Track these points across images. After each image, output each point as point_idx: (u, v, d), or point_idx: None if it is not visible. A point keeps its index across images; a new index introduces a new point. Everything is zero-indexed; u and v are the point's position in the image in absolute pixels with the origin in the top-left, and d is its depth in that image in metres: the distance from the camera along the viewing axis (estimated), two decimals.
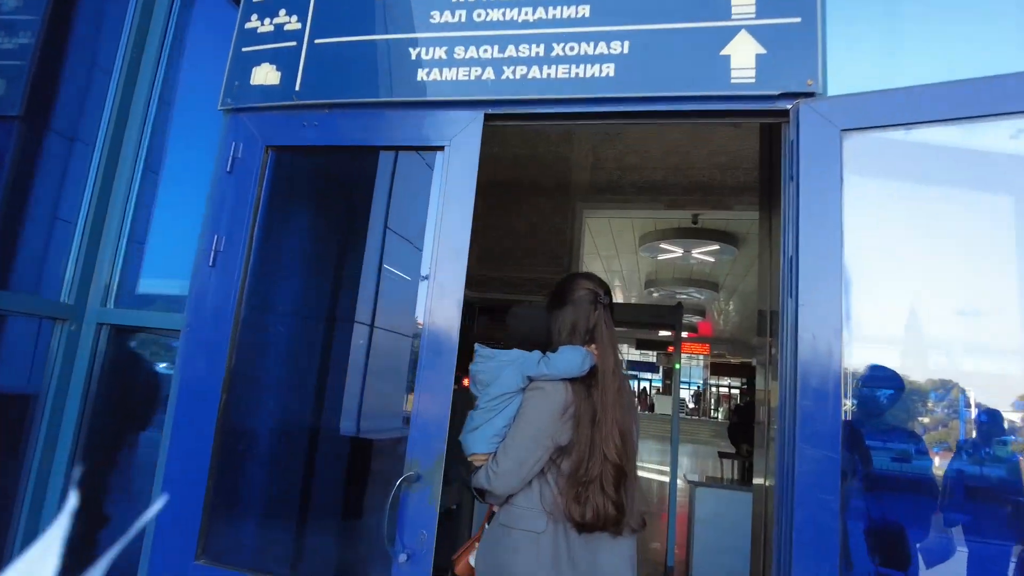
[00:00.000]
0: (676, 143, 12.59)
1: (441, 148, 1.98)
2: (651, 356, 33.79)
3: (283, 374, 2.43)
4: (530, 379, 2.00)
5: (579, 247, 11.95)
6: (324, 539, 2.25)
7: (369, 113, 1.97)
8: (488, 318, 12.47)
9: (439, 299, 1.98)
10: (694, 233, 14.46)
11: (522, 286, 11.81)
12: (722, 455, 6.07)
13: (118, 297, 2.37)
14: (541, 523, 1.82)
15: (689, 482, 5.28)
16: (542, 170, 12.75)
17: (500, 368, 2.09)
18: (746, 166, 11.87)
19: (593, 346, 2.05)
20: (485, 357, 2.23)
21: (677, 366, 5.05)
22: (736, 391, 35.75)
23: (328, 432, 2.35)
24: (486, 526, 1.98)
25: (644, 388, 34.78)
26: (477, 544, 1.99)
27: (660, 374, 34.79)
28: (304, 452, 2.28)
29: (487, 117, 1.92)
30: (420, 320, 2.00)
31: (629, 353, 34.00)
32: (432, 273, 2.01)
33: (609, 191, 12.15)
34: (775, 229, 2.74)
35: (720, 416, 33.68)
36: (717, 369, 33.65)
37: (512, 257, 12.13)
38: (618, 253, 16.82)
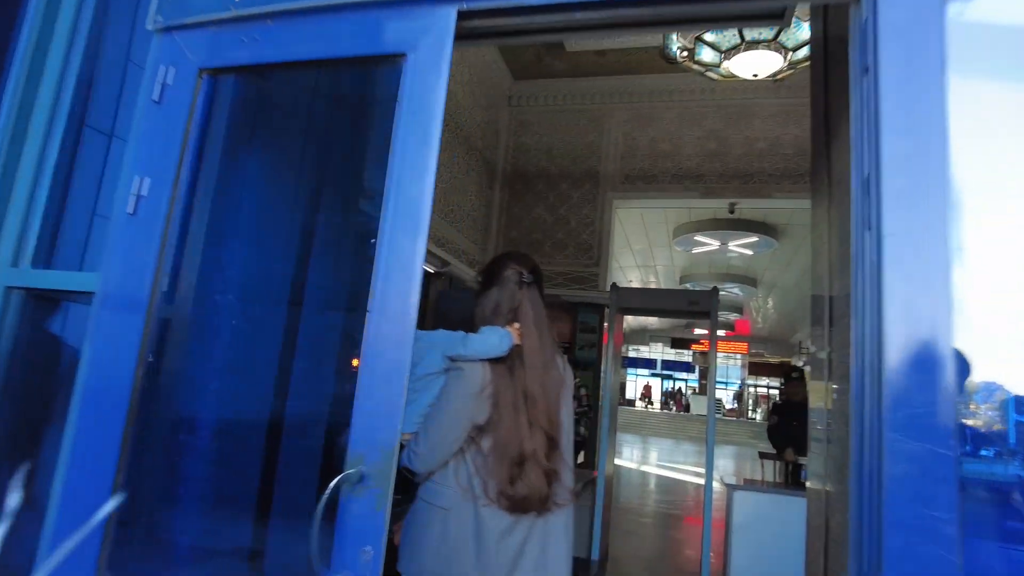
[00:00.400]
0: (712, 128, 12.03)
1: (402, 56, 1.54)
2: (686, 355, 33.02)
3: (227, 356, 2.04)
4: (451, 360, 1.99)
5: (609, 239, 11.48)
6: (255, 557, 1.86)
7: (316, 20, 1.57)
8: None
9: (390, 255, 1.55)
10: (731, 224, 13.85)
11: (551, 280, 11.37)
12: (763, 456, 5.58)
13: (37, 255, 1.96)
14: (451, 500, 1.84)
15: (726, 485, 4.79)
16: (571, 159, 12.33)
17: (425, 348, 2.04)
18: (786, 151, 11.26)
19: (516, 325, 2.02)
20: (416, 338, 1.90)
21: (711, 359, 4.55)
22: (776, 391, 34.75)
23: (281, 428, 1.95)
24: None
25: (679, 388, 34.00)
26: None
27: (696, 374, 33.95)
28: (252, 451, 1.89)
29: (461, 15, 1.46)
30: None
31: (664, 352, 33.26)
32: (382, 226, 1.59)
33: (641, 180, 11.66)
34: (837, 162, 2.22)
35: (758, 416, 32.73)
36: (755, 369, 32.71)
37: (540, 250, 11.72)
38: (651, 246, 16.24)
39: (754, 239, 14.09)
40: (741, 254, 16.03)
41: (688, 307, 4.70)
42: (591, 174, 11.82)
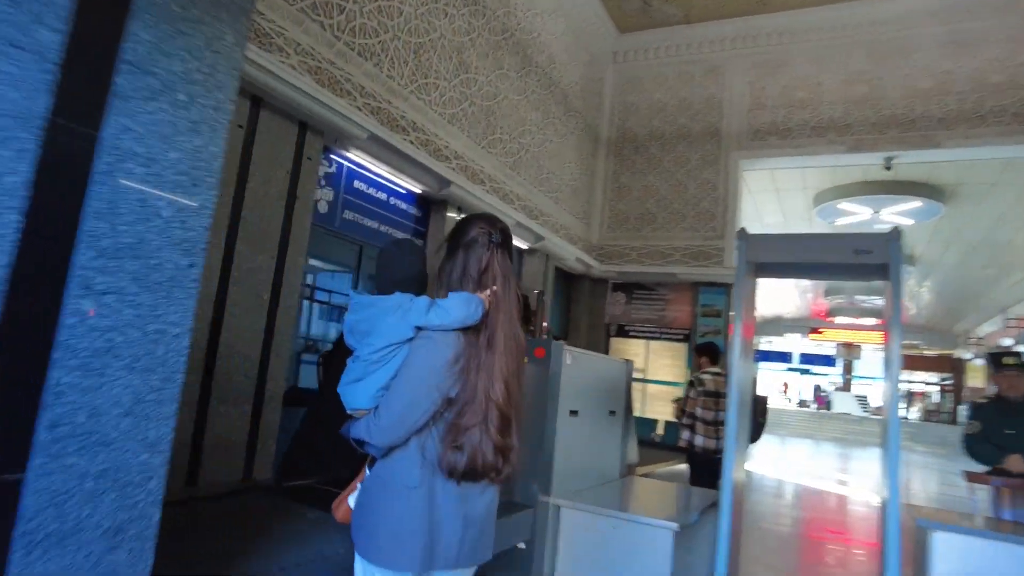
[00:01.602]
0: (860, 69, 9.94)
1: None
2: (828, 347, 29.78)
3: None
4: (418, 328, 1.82)
5: (736, 207, 9.83)
6: None
7: None
8: (626, 296, 10.71)
9: None
10: (887, 187, 11.63)
11: (669, 256, 9.93)
12: (972, 477, 3.80)
13: None
14: (416, 478, 1.78)
15: (921, 525, 3.27)
16: (688, 117, 10.74)
17: (381, 315, 1.85)
18: (960, 88, 9.03)
19: (488, 292, 1.88)
20: (364, 305, 1.92)
21: (893, 330, 3.08)
22: (933, 387, 30.62)
23: None
24: (367, 471, 1.92)
25: (817, 385, 30.68)
26: (355, 489, 1.96)
27: (839, 367, 30.53)
28: None
29: None
30: None
31: (802, 343, 30.23)
32: None
33: (773, 135, 9.88)
34: None
35: (912, 415, 28.90)
36: (908, 362, 28.87)
37: (654, 223, 10.29)
38: (785, 218, 14.20)
39: (916, 204, 11.77)
40: (896, 225, 13.61)
41: (854, 258, 3.18)
42: (712, 132, 10.22)
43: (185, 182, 1.43)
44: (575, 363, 3.20)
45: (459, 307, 1.80)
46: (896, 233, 3.20)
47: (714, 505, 3.15)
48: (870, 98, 9.28)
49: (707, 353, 5.98)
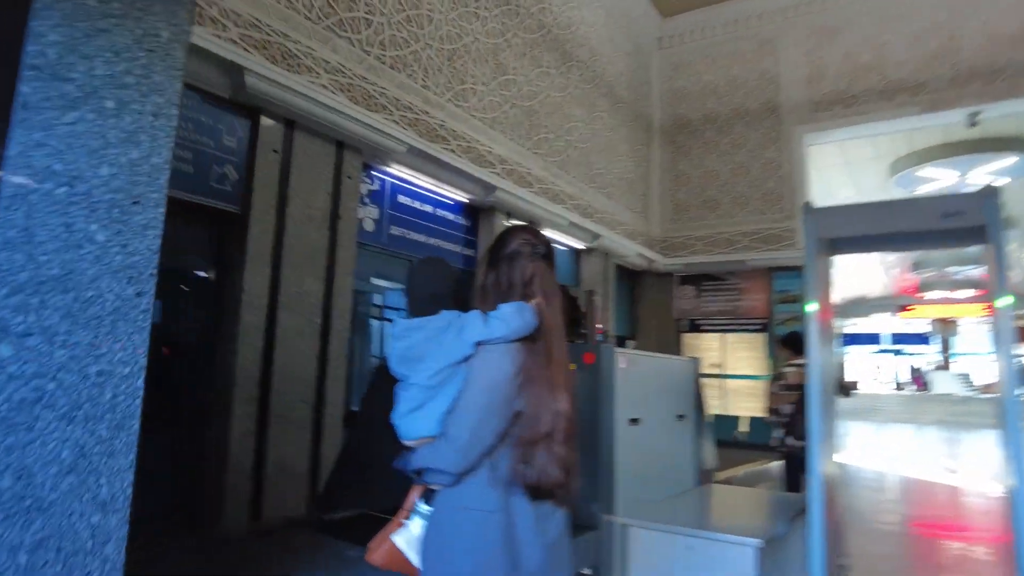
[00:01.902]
0: (930, 23, 9.07)
1: None
2: (923, 325, 27.83)
3: None
4: (477, 344, 1.75)
5: (802, 183, 9.20)
6: None
7: None
8: (695, 289, 10.19)
9: None
10: (972, 147, 10.69)
11: (737, 243, 9.38)
12: None
13: None
14: (492, 501, 1.70)
15: None
16: (743, 95, 10.14)
17: (434, 336, 1.78)
18: None
19: (536, 300, 1.81)
20: (412, 328, 1.83)
21: (997, 296, 2.66)
22: None
23: None
24: (421, 507, 1.79)
25: (913, 366, 28.62)
26: (401, 525, 1.84)
27: (937, 345, 28.44)
28: None
29: None
30: None
31: (892, 322, 28.41)
32: None
33: (838, 104, 9.20)
34: None
35: None
36: (1021, 335, 26.58)
37: (717, 209, 9.78)
38: (859, 193, 13.33)
39: (1010, 160, 10.76)
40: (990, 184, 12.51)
41: (943, 223, 2.77)
42: (770, 109, 9.64)
43: (123, 200, 1.28)
44: (632, 366, 2.92)
45: (515, 316, 1.77)
46: (991, 190, 2.77)
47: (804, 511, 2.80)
48: (945, 51, 8.53)
49: (790, 345, 5.53)
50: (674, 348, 9.80)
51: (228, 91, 4.21)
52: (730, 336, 9.57)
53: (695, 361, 3.71)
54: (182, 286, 4.32)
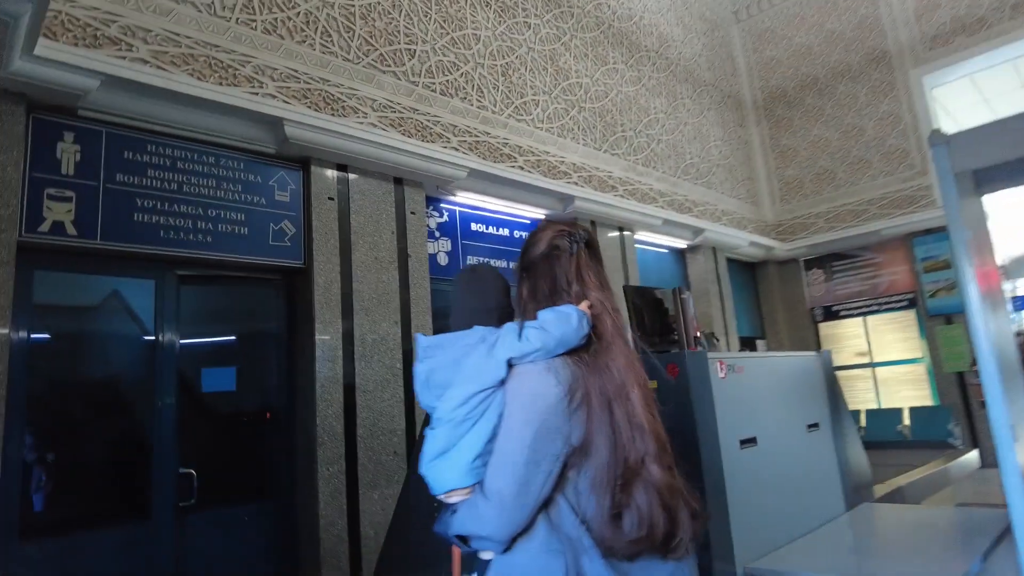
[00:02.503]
0: None
1: None
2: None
3: None
4: (511, 363, 1.42)
5: (930, 129, 7.96)
6: None
7: None
8: (823, 272, 9.04)
9: None
10: None
11: (863, 213, 8.26)
12: None
13: None
14: (559, 566, 1.30)
15: None
16: (843, 49, 8.99)
17: (463, 355, 1.47)
18: None
19: (586, 302, 1.47)
20: (435, 346, 1.54)
21: None
22: None
23: None
24: None
25: None
26: None
27: None
28: None
29: None
30: None
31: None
32: None
33: (959, 33, 7.92)
34: None
35: None
36: None
37: (834, 180, 8.70)
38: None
39: None
40: None
41: None
42: (877, 57, 8.52)
43: None
44: (736, 374, 2.37)
45: (558, 324, 1.43)
46: None
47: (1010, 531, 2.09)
48: None
49: None
50: (811, 342, 8.77)
51: (273, 146, 4.13)
52: (873, 319, 8.42)
53: (825, 354, 3.05)
54: (254, 350, 4.22)
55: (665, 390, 2.13)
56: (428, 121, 4.93)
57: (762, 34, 9.69)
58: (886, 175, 8.29)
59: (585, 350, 1.46)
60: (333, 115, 4.34)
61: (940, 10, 8.10)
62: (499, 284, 1.69)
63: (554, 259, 1.59)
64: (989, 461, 7.35)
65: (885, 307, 8.32)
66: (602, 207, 6.22)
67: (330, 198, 4.34)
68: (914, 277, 8.06)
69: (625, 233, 6.68)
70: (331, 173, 4.40)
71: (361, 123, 4.51)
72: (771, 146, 9.39)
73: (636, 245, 6.85)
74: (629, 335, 1.59)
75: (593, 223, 6.29)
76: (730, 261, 8.41)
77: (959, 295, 6.85)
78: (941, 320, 7.71)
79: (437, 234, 5.17)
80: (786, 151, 9.25)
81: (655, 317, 2.92)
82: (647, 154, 7.23)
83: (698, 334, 3.36)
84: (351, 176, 4.49)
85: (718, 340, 4.75)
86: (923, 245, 7.98)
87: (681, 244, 7.69)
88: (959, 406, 7.45)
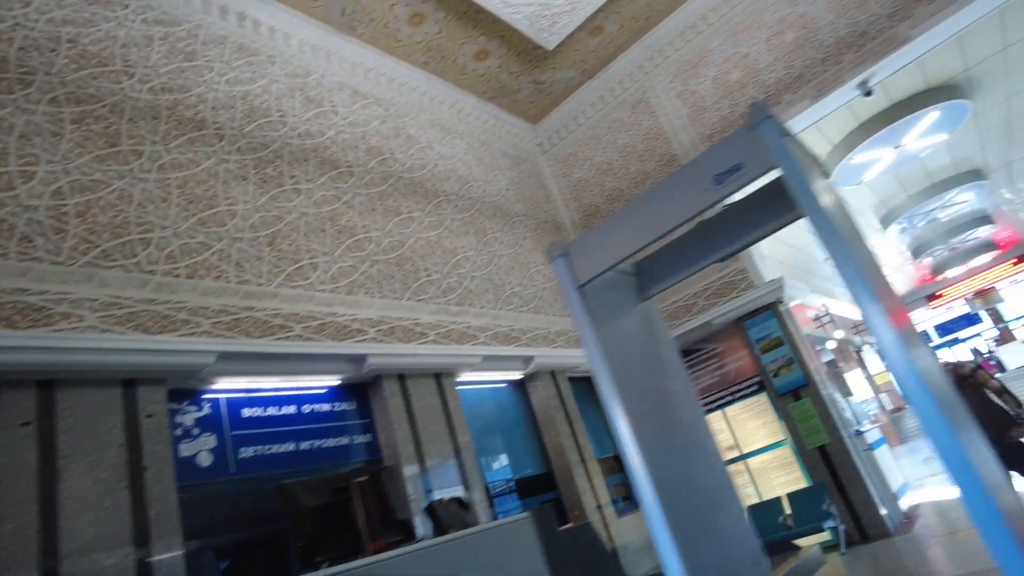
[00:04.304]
0: (779, 17, 8.43)
1: None
2: (964, 306, 25.80)
3: None
4: None
5: None
6: None
7: None
8: None
9: None
10: (889, 116, 10.00)
11: (693, 306, 8.31)
12: None
13: None
14: None
15: None
16: (638, 160, 9.21)
17: None
18: None
19: None
20: None
21: None
22: None
23: None
24: None
25: (973, 349, 26.05)
26: None
27: (987, 319, 26.19)
28: None
29: None
30: None
31: (929, 316, 26.44)
32: None
33: (729, 129, 8.54)
34: None
35: None
36: None
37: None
38: None
39: (934, 115, 10.01)
40: (932, 148, 11.71)
41: (718, 190, 1.85)
42: (668, 161, 9.02)
43: None
44: None
45: None
46: (758, 111, 1.85)
47: None
48: (804, 37, 8.07)
49: None
50: None
51: None
52: (731, 410, 8.26)
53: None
54: None
55: None
56: (169, 309, 4.44)
57: (567, 159, 10.15)
58: (704, 269, 8.47)
59: None
60: (33, 327, 3.77)
61: (708, 113, 8.78)
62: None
63: None
64: (874, 534, 7.05)
65: (739, 395, 8.20)
66: (409, 359, 5.80)
67: (24, 424, 3.65)
68: (755, 360, 8.05)
69: (445, 378, 6.25)
70: (29, 393, 3.74)
71: (76, 327, 3.95)
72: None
73: (459, 388, 6.42)
74: None
75: (401, 376, 5.83)
76: (577, 381, 8.12)
77: (797, 370, 6.69)
78: (790, 398, 7.63)
79: (196, 431, 4.51)
80: (650, 248, 9.37)
81: (334, 516, 2.40)
82: (460, 293, 7.01)
83: (443, 499, 2.86)
84: (59, 392, 3.84)
85: (468, 507, 4.22)
86: (754, 327, 8.06)
87: (516, 376, 7.34)
88: (829, 481, 7.19)
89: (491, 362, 6.70)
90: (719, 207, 2.13)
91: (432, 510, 3.77)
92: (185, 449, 4.32)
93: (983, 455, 1.69)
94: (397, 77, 8.04)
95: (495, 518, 6.40)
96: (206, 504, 4.26)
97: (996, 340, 25.90)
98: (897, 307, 1.81)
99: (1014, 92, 10.69)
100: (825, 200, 1.72)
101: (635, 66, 9.47)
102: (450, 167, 8.15)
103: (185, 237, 4.85)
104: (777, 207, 2.05)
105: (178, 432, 4.40)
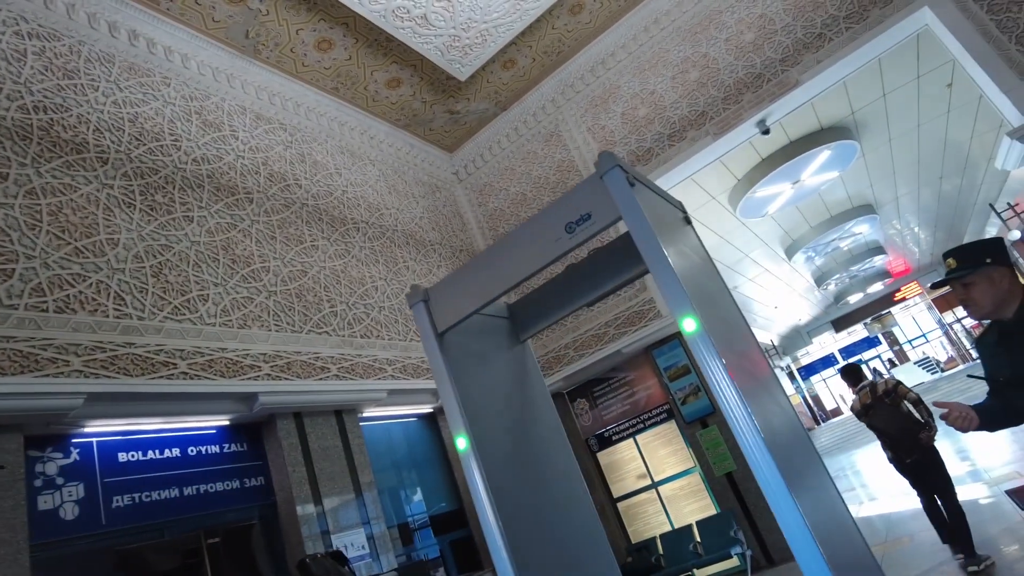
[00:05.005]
0: (682, 57, 8.70)
1: None
2: (857, 332, 27.44)
3: None
4: None
5: None
6: None
7: None
8: (587, 401, 8.91)
9: None
10: (788, 153, 10.55)
11: (603, 337, 8.39)
12: None
13: None
14: None
15: None
16: (549, 191, 9.28)
17: None
18: (785, 23, 8.03)
19: None
20: None
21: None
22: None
23: None
24: None
25: (874, 369, 27.73)
26: None
27: (884, 342, 27.95)
28: None
29: None
30: None
31: (836, 339, 27.94)
32: None
33: (636, 164, 8.78)
34: None
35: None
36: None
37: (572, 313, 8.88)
38: (719, 236, 12.96)
39: (826, 154, 10.64)
40: (828, 183, 12.43)
41: (569, 238, 1.78)
42: None
43: None
44: None
45: None
46: (607, 160, 1.86)
47: None
48: (706, 76, 8.42)
49: (846, 377, 5.88)
50: (593, 475, 8.45)
51: None
52: (642, 437, 8.34)
53: None
54: None
55: None
56: (32, 348, 4.07)
57: (483, 188, 10.16)
58: (615, 296, 8.61)
59: None
60: None
61: (617, 146, 9.00)
62: None
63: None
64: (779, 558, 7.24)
65: (649, 423, 8.30)
66: (306, 395, 5.56)
67: None
68: (664, 387, 8.19)
69: (347, 415, 6.02)
70: None
71: None
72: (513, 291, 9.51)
73: (365, 424, 6.20)
74: None
75: (298, 415, 5.57)
76: None
77: (704, 398, 6.77)
78: (698, 425, 7.79)
79: (59, 480, 4.13)
80: (525, 289, 9.40)
81: None
82: (367, 324, 6.82)
83: (318, 555, 2.69)
84: None
85: (346, 560, 4.02)
86: (662, 355, 8.21)
87: (427, 410, 7.18)
88: (738, 508, 7.35)
89: (399, 396, 6.52)
90: (586, 250, 2.11)
91: (304, 567, 3.53)
92: (44, 502, 3.94)
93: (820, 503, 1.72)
94: (305, 102, 7.85)
95: (409, 558, 6.18)
96: (71, 561, 3.88)
97: (890, 362, 27.50)
98: (747, 362, 1.82)
99: (895, 135, 11.51)
100: (674, 251, 1.72)
101: (548, 99, 9.63)
102: (360, 194, 7.99)
103: (56, 268, 4.49)
104: (635, 255, 2.06)
105: (38, 483, 4.02)
